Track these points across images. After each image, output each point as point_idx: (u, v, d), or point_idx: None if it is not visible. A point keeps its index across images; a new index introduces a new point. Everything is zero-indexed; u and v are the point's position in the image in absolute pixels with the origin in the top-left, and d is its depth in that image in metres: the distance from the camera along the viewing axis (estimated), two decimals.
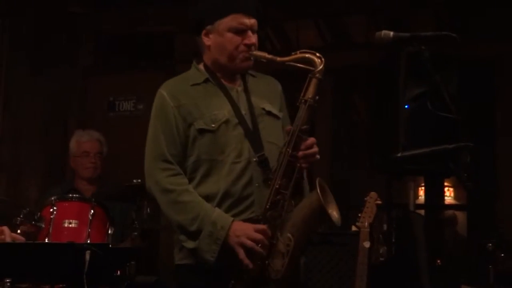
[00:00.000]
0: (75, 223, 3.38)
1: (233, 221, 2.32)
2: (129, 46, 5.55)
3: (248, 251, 2.28)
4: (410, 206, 4.29)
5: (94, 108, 5.36)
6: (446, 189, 8.08)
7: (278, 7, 5.12)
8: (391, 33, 2.44)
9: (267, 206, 2.33)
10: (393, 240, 4.23)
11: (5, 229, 2.56)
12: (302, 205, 2.37)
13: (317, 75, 2.38)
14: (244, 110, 2.47)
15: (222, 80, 2.51)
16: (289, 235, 2.31)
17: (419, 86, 3.56)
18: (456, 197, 8.66)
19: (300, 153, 2.36)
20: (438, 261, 4.22)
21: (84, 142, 4.20)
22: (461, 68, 3.72)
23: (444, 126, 3.17)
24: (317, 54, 2.40)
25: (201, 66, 2.55)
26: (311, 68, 2.39)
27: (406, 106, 3.62)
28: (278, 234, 2.32)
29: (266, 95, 2.58)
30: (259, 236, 2.28)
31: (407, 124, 3.58)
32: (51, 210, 3.36)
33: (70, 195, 3.70)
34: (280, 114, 2.58)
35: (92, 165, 4.13)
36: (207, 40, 2.48)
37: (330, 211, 2.34)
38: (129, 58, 5.53)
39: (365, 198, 3.51)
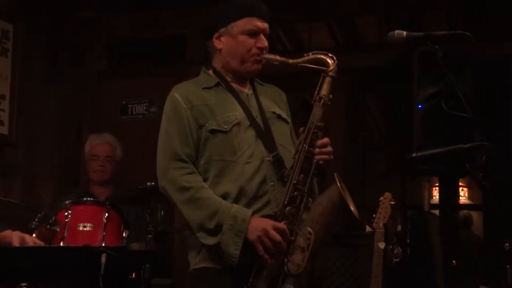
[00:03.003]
0: (90, 226, 3.39)
1: (252, 213, 2.32)
2: (142, 49, 5.56)
3: (267, 248, 2.29)
4: (425, 207, 4.26)
5: (107, 111, 5.38)
6: (460, 189, 8.03)
7: (289, 8, 5.11)
8: (404, 33, 2.45)
9: (285, 202, 2.34)
10: (408, 241, 4.22)
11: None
12: (321, 200, 2.40)
13: (331, 73, 2.43)
14: (255, 113, 2.50)
15: (232, 84, 2.53)
16: (309, 229, 2.32)
17: (432, 85, 3.54)
18: (470, 197, 8.61)
19: (316, 149, 2.39)
20: (454, 261, 4.20)
21: (94, 146, 4.23)
22: (475, 67, 3.70)
23: (459, 126, 3.15)
24: (329, 55, 2.46)
25: (210, 72, 2.58)
26: (324, 68, 2.44)
27: (419, 106, 3.60)
28: (296, 229, 2.33)
29: (275, 101, 2.63)
30: (277, 237, 2.28)
31: (421, 124, 3.55)
32: (66, 213, 3.38)
33: (85, 198, 3.71)
34: (288, 119, 2.62)
35: (100, 168, 4.14)
36: (218, 44, 2.52)
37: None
38: (141, 61, 5.54)
39: (380, 199, 3.50)
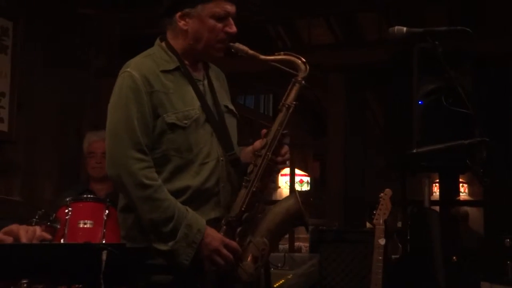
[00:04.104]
0: (90, 223, 3.38)
1: (206, 225, 2.26)
2: (142, 46, 5.55)
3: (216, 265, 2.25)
4: (425, 203, 4.26)
5: (107, 109, 5.37)
6: (460, 185, 8.05)
7: (289, 5, 5.11)
8: (404, 29, 2.44)
9: (243, 208, 2.29)
10: (408, 237, 4.22)
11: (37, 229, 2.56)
12: (278, 210, 2.35)
13: (301, 81, 2.36)
14: (211, 106, 2.40)
15: (189, 69, 2.41)
16: (265, 240, 2.29)
17: (432, 81, 3.55)
18: (470, 193, 8.63)
19: (279, 158, 2.35)
20: (454, 257, 4.20)
21: (92, 143, 4.22)
22: (475, 63, 3.70)
23: (459, 122, 3.15)
24: (302, 59, 2.37)
25: (164, 45, 2.43)
26: (294, 72, 2.36)
27: (419, 102, 3.60)
28: (250, 236, 2.30)
29: (223, 89, 2.54)
30: (229, 256, 2.24)
31: (421, 120, 3.56)
32: (66, 211, 3.37)
33: (85, 195, 3.71)
34: (236, 112, 2.54)
35: (98, 165, 4.13)
36: (183, 24, 2.36)
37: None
38: None
39: (380, 195, 3.50)
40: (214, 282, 2.26)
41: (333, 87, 5.16)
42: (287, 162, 2.46)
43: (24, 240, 2.49)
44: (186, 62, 2.41)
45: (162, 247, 2.26)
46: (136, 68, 2.34)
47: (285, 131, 2.34)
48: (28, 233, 2.45)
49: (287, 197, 2.40)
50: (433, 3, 5.09)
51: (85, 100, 5.35)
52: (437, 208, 5.03)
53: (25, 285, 2.38)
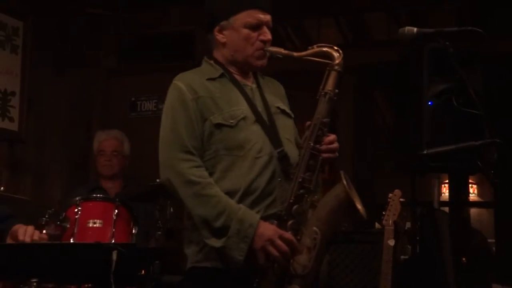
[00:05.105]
0: (99, 223, 3.39)
1: (259, 219, 2.25)
2: (151, 46, 5.56)
3: (271, 257, 2.22)
4: (435, 204, 4.26)
5: (116, 108, 5.39)
6: (469, 186, 8.02)
7: (298, 5, 5.10)
8: (415, 29, 2.43)
9: (291, 201, 2.28)
10: (418, 238, 4.21)
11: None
12: (327, 199, 2.31)
13: (336, 67, 2.37)
14: (259, 108, 2.43)
15: (236, 76, 2.47)
16: (315, 228, 2.24)
17: (442, 82, 3.53)
18: (479, 194, 8.60)
19: (324, 146, 2.33)
20: (463, 259, 4.19)
21: (101, 141, 4.27)
22: (486, 63, 3.68)
23: (469, 123, 3.14)
24: (335, 47, 2.40)
25: (213, 62, 2.51)
26: (329, 61, 2.38)
27: (429, 103, 3.59)
28: (303, 229, 2.27)
29: (277, 95, 2.58)
30: (284, 247, 2.21)
31: (431, 121, 3.54)
32: (76, 210, 3.38)
33: (94, 195, 3.72)
34: (292, 114, 2.57)
35: (107, 163, 4.18)
36: (221, 37, 2.45)
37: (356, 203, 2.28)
38: (150, 58, 5.55)
39: (389, 196, 3.49)
40: (271, 279, 2.23)
41: (342, 87, 5.15)
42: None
43: (20, 237, 2.50)
44: (232, 71, 2.48)
45: (214, 243, 2.26)
46: (181, 79, 2.44)
47: (325, 119, 2.34)
48: (27, 233, 2.47)
49: (337, 185, 2.34)
50: (443, 3, 5.06)
51: (95, 100, 5.37)
52: (446, 209, 5.03)
53: (34, 284, 2.39)
